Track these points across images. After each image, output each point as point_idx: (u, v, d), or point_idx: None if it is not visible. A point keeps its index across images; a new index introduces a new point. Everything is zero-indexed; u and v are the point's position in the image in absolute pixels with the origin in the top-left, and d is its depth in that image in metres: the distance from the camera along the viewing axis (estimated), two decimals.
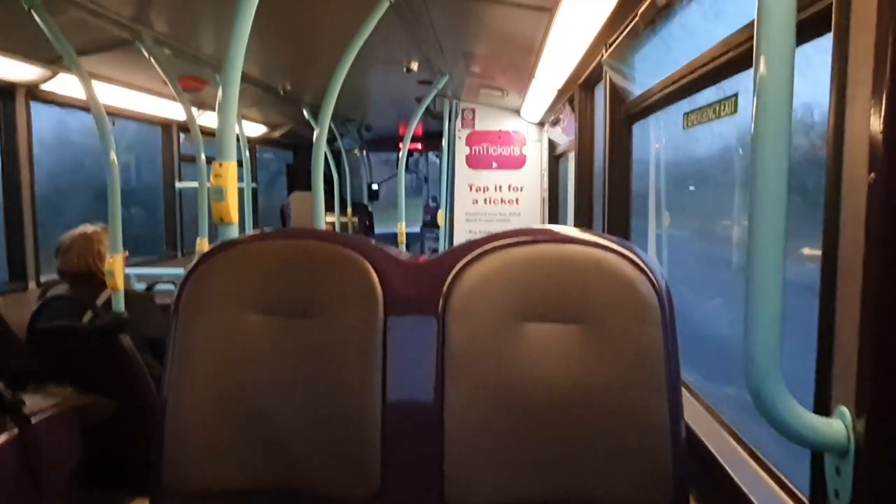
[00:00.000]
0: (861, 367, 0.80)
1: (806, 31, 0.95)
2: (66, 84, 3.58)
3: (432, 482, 1.24)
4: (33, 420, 2.01)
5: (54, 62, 3.36)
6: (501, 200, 5.67)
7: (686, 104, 1.79)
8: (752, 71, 0.82)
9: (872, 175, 0.76)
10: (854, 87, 0.82)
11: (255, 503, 1.31)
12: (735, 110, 1.45)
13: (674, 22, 1.82)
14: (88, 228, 2.83)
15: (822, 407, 0.90)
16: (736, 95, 1.45)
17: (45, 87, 3.56)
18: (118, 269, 2.67)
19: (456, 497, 1.24)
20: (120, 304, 2.65)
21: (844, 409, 0.83)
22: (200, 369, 1.32)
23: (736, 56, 1.38)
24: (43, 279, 3.59)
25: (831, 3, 0.88)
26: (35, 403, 2.07)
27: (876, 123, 0.76)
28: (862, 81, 0.79)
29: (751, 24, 1.25)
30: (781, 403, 0.82)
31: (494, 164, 5.65)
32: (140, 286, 3.83)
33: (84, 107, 3.69)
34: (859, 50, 0.81)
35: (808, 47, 1.02)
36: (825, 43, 0.91)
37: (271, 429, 1.30)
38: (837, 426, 0.83)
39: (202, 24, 3.16)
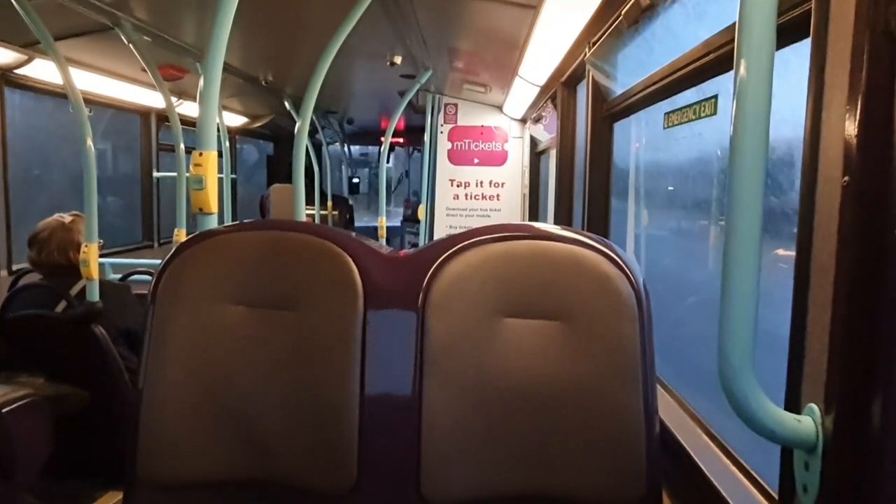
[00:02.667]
0: (831, 367, 0.82)
1: (786, 35, 0.97)
2: (42, 69, 3.51)
3: (409, 476, 1.24)
4: (4, 410, 1.97)
5: (30, 46, 3.29)
6: (482, 196, 5.68)
7: (667, 104, 1.81)
8: (731, 73, 0.83)
9: (846, 178, 0.78)
10: (830, 91, 0.83)
11: (231, 495, 1.31)
12: (715, 111, 1.47)
13: (657, 22, 1.83)
14: (66, 218, 2.76)
15: (793, 404, 0.92)
16: (716, 97, 1.47)
17: (21, 71, 3.49)
18: (93, 258, 2.62)
19: (432, 491, 1.24)
20: (94, 294, 2.61)
21: (814, 407, 0.85)
22: (177, 360, 1.31)
23: (716, 58, 1.40)
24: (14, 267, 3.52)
25: (810, 9, 0.90)
26: (6, 393, 2.04)
27: (851, 128, 0.77)
28: (838, 86, 0.81)
29: (731, 27, 1.27)
30: (753, 400, 0.84)
31: (476, 160, 5.66)
32: (115, 276, 3.78)
33: (61, 93, 3.62)
34: (836, 55, 0.82)
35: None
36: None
37: (248, 421, 1.29)
38: (807, 423, 0.85)
39: (183, 11, 3.11)
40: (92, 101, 4.18)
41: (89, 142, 2.78)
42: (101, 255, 2.76)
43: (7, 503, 2.00)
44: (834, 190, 0.81)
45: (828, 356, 0.82)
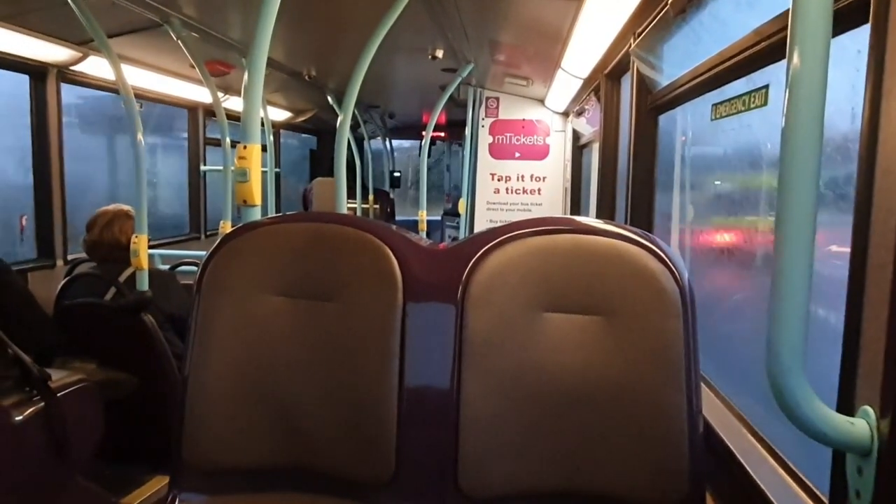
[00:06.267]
0: (887, 368, 0.79)
1: (842, 21, 0.93)
2: (96, 66, 3.63)
3: (446, 469, 1.25)
4: (59, 394, 2.05)
5: (85, 44, 3.40)
6: (523, 190, 5.64)
7: (714, 95, 1.76)
8: (783, 62, 0.80)
9: None
10: (891, 79, 0.79)
11: (272, 482, 1.33)
12: (765, 102, 1.42)
13: (705, 11, 1.78)
14: (124, 207, 2.89)
15: (846, 406, 0.88)
16: (767, 87, 1.42)
17: (76, 68, 3.61)
18: (142, 248, 2.71)
19: (470, 484, 1.24)
20: (144, 284, 2.69)
21: (869, 409, 0.82)
22: (221, 349, 1.34)
23: (767, 47, 1.35)
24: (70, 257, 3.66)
25: None
26: (60, 378, 2.11)
27: None
28: None
29: (784, 14, 1.22)
30: (804, 400, 0.81)
31: (517, 154, 5.61)
32: (164, 267, 3.89)
33: (113, 88, 3.74)
34: None
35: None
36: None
37: (289, 409, 1.31)
38: (861, 425, 0.81)
39: (230, 8, 3.17)
40: (143, 97, 4.30)
41: (140, 136, 2.87)
42: (150, 247, 2.86)
43: (61, 484, 2.08)
44: (893, 183, 0.77)
45: (884, 357, 0.79)
